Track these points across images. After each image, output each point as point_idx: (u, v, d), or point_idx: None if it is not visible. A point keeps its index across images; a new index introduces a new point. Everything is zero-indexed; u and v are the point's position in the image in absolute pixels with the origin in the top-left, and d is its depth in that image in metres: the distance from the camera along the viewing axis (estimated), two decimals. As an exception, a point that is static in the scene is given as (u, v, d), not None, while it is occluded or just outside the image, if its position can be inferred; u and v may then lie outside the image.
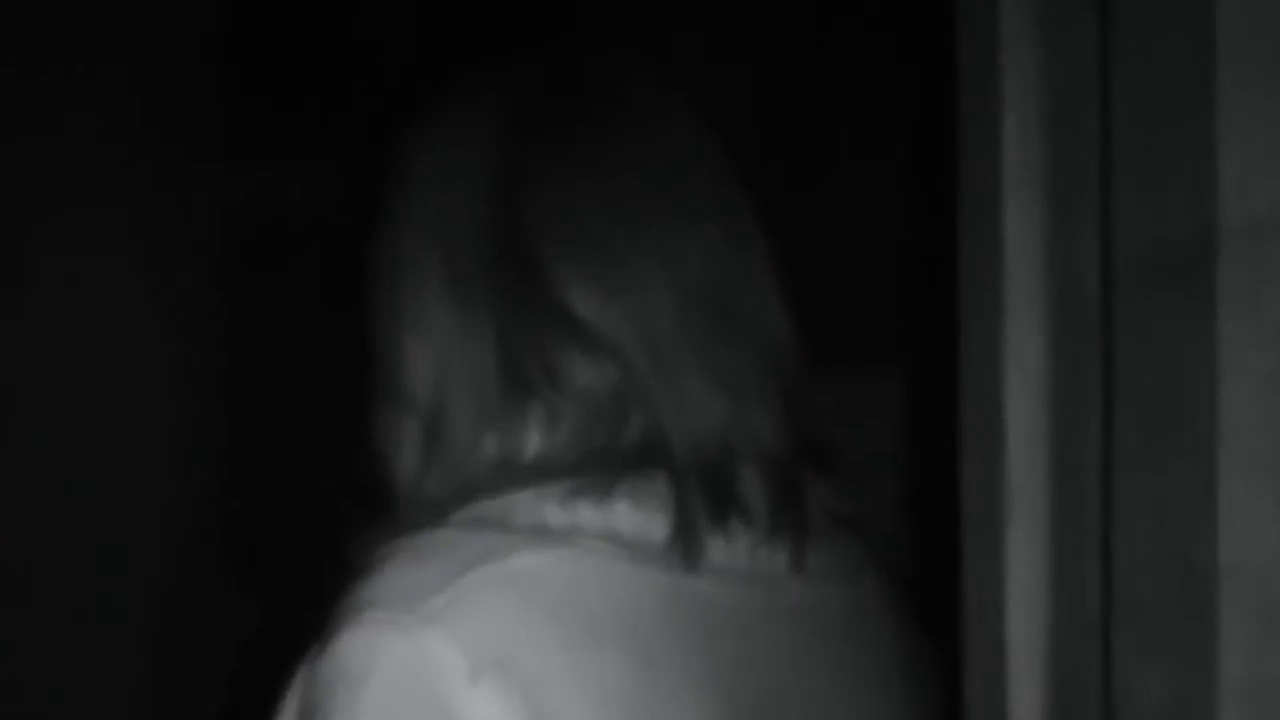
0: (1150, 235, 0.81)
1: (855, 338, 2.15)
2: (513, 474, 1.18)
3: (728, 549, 1.18)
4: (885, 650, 1.29)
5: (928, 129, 1.27)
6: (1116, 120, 0.84)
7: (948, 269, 0.98)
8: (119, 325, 2.71)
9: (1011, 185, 0.91)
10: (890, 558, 1.34)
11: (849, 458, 1.30)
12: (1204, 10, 0.77)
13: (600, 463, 1.17)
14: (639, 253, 1.19)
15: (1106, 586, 0.84)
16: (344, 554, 1.20)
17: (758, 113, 2.06)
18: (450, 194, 1.22)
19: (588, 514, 1.16)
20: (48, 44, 2.62)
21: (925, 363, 1.36)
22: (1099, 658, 0.85)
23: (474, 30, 1.25)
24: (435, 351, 1.22)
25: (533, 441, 1.20)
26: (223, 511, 2.80)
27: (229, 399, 2.79)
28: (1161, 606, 0.80)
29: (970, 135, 0.96)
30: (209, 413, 2.78)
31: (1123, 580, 0.83)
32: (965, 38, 0.96)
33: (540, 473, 1.18)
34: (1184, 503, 0.78)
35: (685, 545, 1.16)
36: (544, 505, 1.16)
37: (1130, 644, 0.83)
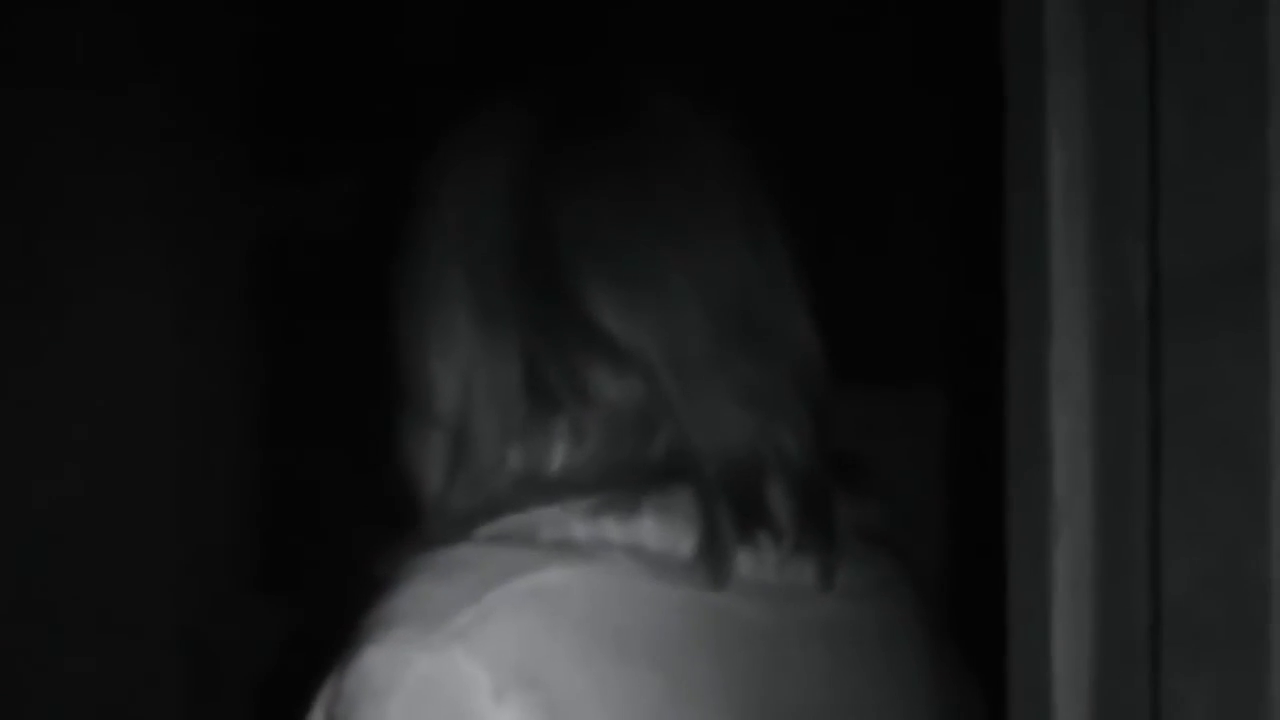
0: (1200, 251, 0.81)
1: (900, 355, 2.15)
2: (537, 489, 1.18)
3: (755, 565, 1.18)
4: (915, 668, 1.28)
5: (973, 145, 1.27)
6: (1164, 135, 0.84)
7: (994, 285, 0.98)
8: (151, 342, 2.72)
9: (1058, 201, 0.91)
10: (928, 575, 1.33)
11: (890, 475, 1.29)
12: (1254, 24, 0.76)
13: (625, 477, 1.17)
14: (665, 268, 1.19)
15: (1154, 603, 0.84)
16: (370, 568, 1.19)
17: (798, 127, 2.06)
18: (475, 210, 1.22)
19: (613, 529, 1.15)
20: (81, 66, 2.63)
21: (971, 380, 1.36)
22: (1146, 674, 0.84)
23: (503, 48, 1.25)
24: (460, 367, 1.22)
25: (558, 457, 1.19)
26: (252, 526, 2.81)
27: (259, 415, 2.79)
28: (1210, 623, 0.80)
29: (1016, 151, 0.96)
30: (239, 428, 2.79)
31: (1170, 596, 0.83)
32: (1011, 54, 0.96)
33: (565, 488, 1.18)
34: (1234, 518, 0.78)
35: (712, 561, 1.15)
36: (569, 521, 1.16)
37: (1178, 661, 0.82)
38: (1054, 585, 0.89)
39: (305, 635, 2.50)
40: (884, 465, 1.30)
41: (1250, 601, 0.76)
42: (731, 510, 1.17)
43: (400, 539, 1.23)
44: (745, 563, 1.18)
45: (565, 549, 1.14)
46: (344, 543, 1.29)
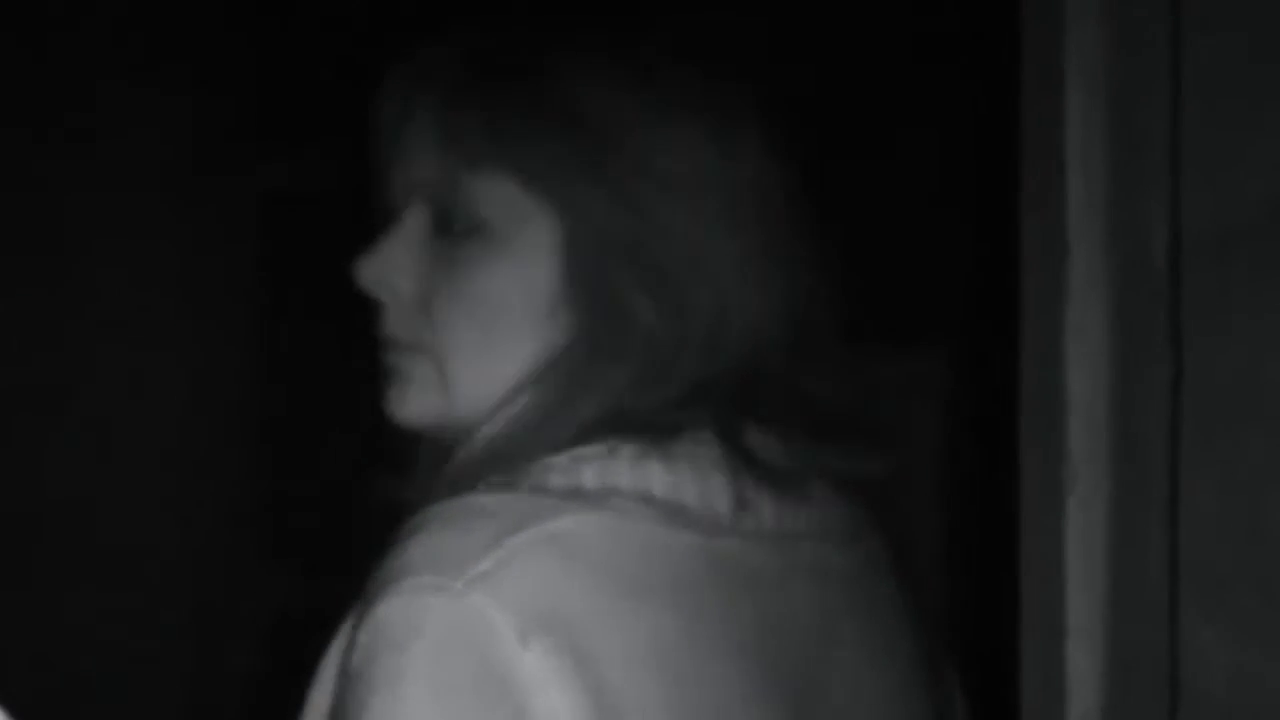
0: (1219, 207, 0.81)
1: (913, 314, 2.15)
2: (545, 437, 1.18)
3: (754, 511, 1.19)
4: (893, 610, 1.30)
5: (989, 100, 1.27)
6: (1185, 92, 0.84)
7: (1010, 243, 0.98)
8: (157, 310, 2.72)
9: (1075, 158, 0.91)
10: (927, 528, 1.34)
11: (898, 432, 1.30)
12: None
13: (630, 426, 1.18)
14: (669, 220, 1.19)
15: (1173, 557, 0.84)
16: (380, 523, 1.19)
17: (805, 89, 2.06)
18: None
19: (623, 477, 1.16)
20: (86, 39, 2.63)
21: (988, 337, 1.36)
22: (1165, 629, 0.85)
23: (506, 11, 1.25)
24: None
25: (565, 405, 1.20)
26: (260, 488, 2.81)
27: (266, 376, 2.80)
28: (1229, 576, 0.81)
29: (1034, 107, 0.96)
30: (246, 391, 2.79)
31: (1189, 550, 0.83)
32: (1028, 10, 0.96)
33: (573, 436, 1.18)
34: (1254, 472, 0.78)
35: (719, 507, 1.17)
36: (579, 469, 1.16)
37: (1197, 612, 0.83)
38: (1067, 537, 0.90)
39: (316, 595, 2.51)
40: (892, 423, 1.30)
41: (1269, 553, 0.77)
42: (733, 459, 1.18)
43: (408, 490, 1.23)
44: (745, 509, 1.19)
45: (576, 496, 1.15)
46: (354, 499, 1.29)
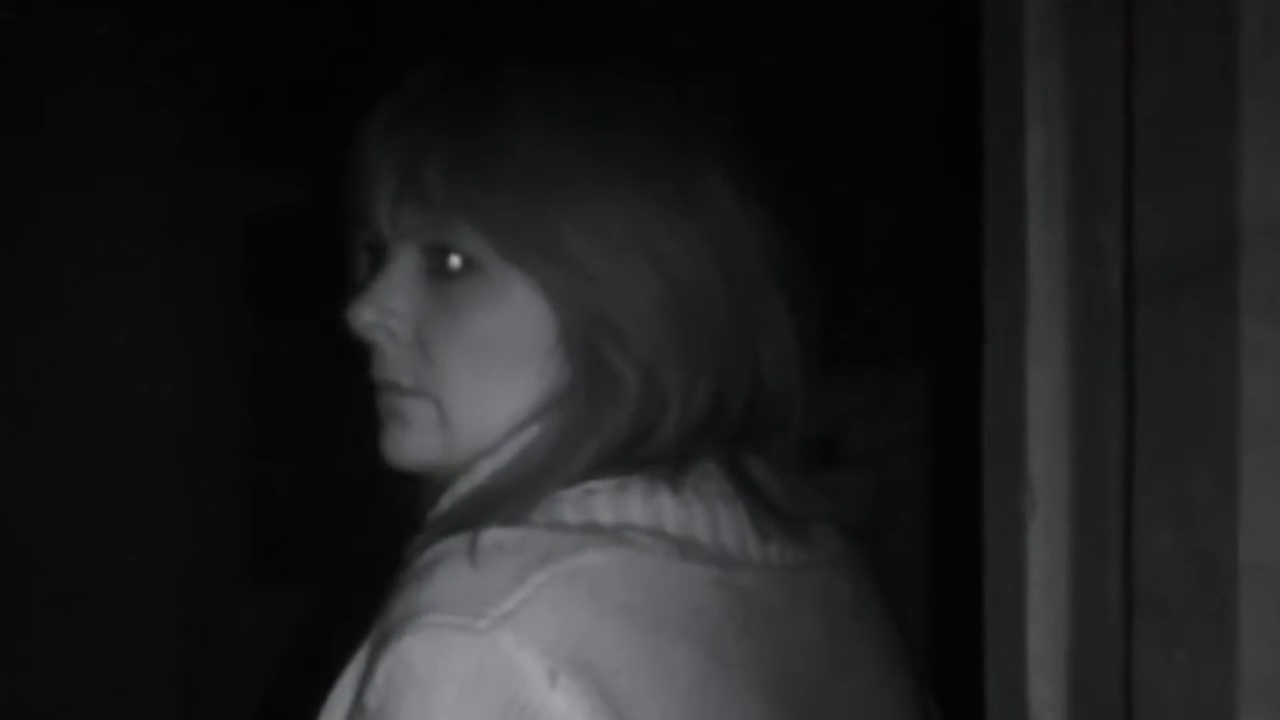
0: (1173, 238, 0.82)
1: (880, 340, 2.16)
2: (557, 472, 1.18)
3: (760, 543, 1.20)
4: (882, 631, 1.31)
5: (953, 135, 1.28)
6: (1139, 125, 0.85)
7: (972, 272, 0.99)
8: (145, 322, 2.72)
9: (1035, 189, 0.92)
10: (905, 552, 1.35)
11: (870, 455, 1.31)
12: (1227, 17, 0.77)
13: (637, 461, 1.18)
14: (635, 264, 1.19)
15: (1127, 585, 0.85)
16: (385, 553, 1.18)
17: (778, 114, 2.06)
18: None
19: (636, 510, 1.16)
20: (79, 49, 2.64)
21: (949, 365, 1.37)
22: (1120, 656, 0.86)
23: (499, 33, 1.25)
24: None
25: (574, 441, 1.19)
26: (250, 504, 2.81)
27: (257, 400, 2.80)
28: (1183, 605, 0.81)
29: (994, 141, 0.97)
30: (236, 406, 2.80)
31: (1143, 579, 0.84)
32: (990, 46, 0.97)
33: (584, 471, 1.18)
34: (1206, 502, 0.79)
35: (730, 541, 1.18)
36: (591, 502, 1.16)
37: (1151, 642, 0.84)
38: (1029, 565, 0.91)
39: (308, 614, 2.52)
40: (864, 445, 1.31)
41: (1222, 580, 0.78)
42: (740, 491, 1.19)
43: (416, 523, 1.22)
44: (752, 541, 1.19)
45: (592, 531, 1.14)
46: (347, 530, 1.28)
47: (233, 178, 2.77)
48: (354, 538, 1.18)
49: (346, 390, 1.28)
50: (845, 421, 1.29)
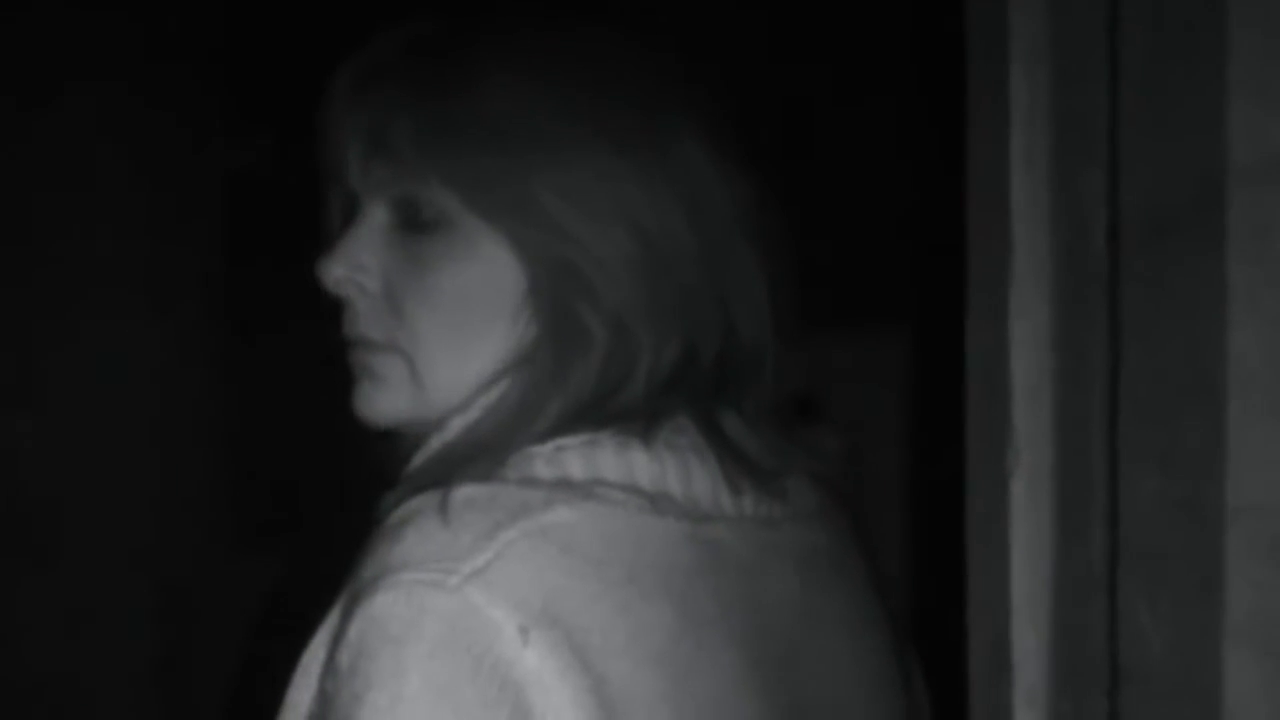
0: (1157, 186, 0.82)
1: (862, 296, 2.16)
2: (528, 427, 1.18)
3: (734, 497, 1.20)
4: (859, 584, 1.31)
5: (936, 84, 1.28)
6: (1124, 68, 0.85)
7: (956, 223, 0.99)
8: (123, 291, 2.71)
9: (1019, 139, 0.92)
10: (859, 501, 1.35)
11: (851, 415, 1.30)
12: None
13: (609, 416, 1.18)
14: (606, 220, 1.18)
15: (1112, 534, 0.85)
16: (359, 511, 1.18)
17: (764, 68, 2.06)
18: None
19: (609, 466, 1.16)
20: (55, 17, 2.62)
21: (933, 320, 1.37)
22: (1104, 606, 0.86)
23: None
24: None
25: (544, 397, 1.19)
26: (230, 474, 2.80)
27: (235, 363, 2.79)
28: (1167, 552, 0.81)
29: (978, 91, 0.97)
30: (216, 376, 2.79)
31: (1128, 527, 0.84)
32: (973, 4, 0.97)
33: (554, 426, 1.18)
34: (1192, 449, 0.79)
35: (704, 495, 1.18)
36: (564, 458, 1.16)
37: (1136, 591, 0.83)
38: (1013, 515, 0.91)
39: (283, 587, 2.51)
40: (845, 405, 1.31)
41: (1207, 528, 0.78)
42: (712, 445, 1.19)
43: (387, 480, 1.22)
44: (726, 495, 1.19)
45: (564, 486, 1.14)
46: (322, 491, 1.28)
47: (211, 134, 2.76)
48: (333, 497, 1.17)
49: (326, 349, 1.28)
50: (826, 378, 1.29)
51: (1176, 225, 0.80)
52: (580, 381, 1.18)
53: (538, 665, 1.07)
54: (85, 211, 2.68)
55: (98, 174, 2.69)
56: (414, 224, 1.21)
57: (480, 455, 1.17)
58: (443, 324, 1.21)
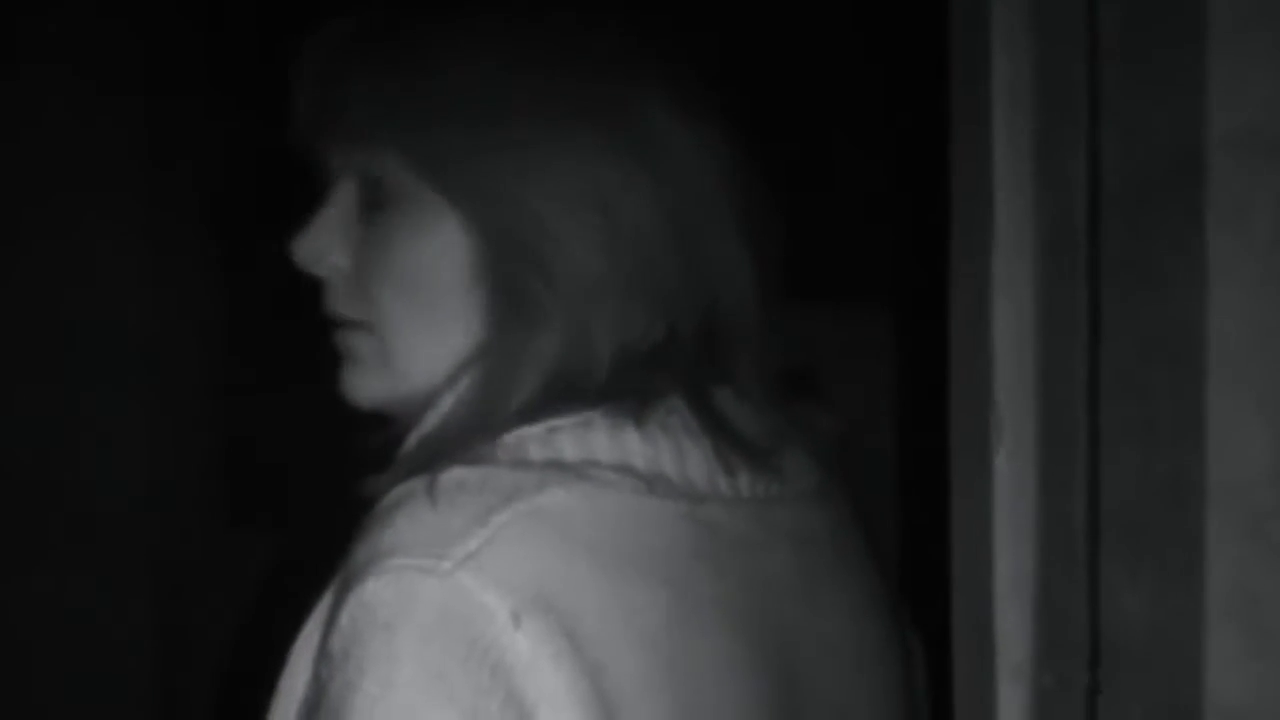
0: (1137, 155, 0.81)
1: (848, 272, 2.15)
2: (519, 409, 1.17)
3: (729, 477, 1.19)
4: (858, 562, 1.31)
5: (917, 58, 1.27)
6: (1103, 38, 0.84)
7: (939, 198, 0.98)
8: (117, 260, 2.71)
9: (1001, 108, 0.91)
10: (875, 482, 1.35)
11: (838, 388, 1.30)
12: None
13: (600, 398, 1.17)
14: (565, 195, 1.17)
15: (1094, 507, 0.85)
16: (354, 493, 1.17)
17: (740, 46, 2.05)
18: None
19: (602, 447, 1.15)
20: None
21: (916, 292, 1.37)
22: (1085, 580, 0.85)
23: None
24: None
25: (536, 379, 1.18)
26: (223, 450, 2.80)
27: (228, 339, 2.78)
28: (1149, 527, 0.81)
29: (960, 63, 0.96)
30: (208, 349, 2.78)
31: (1110, 500, 0.84)
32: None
33: (546, 409, 1.17)
34: (1172, 422, 0.79)
35: (699, 475, 1.17)
36: (556, 439, 1.15)
37: (1117, 565, 0.83)
38: (995, 488, 0.90)
39: (278, 566, 2.51)
40: (832, 378, 1.31)
41: (1189, 500, 0.77)
42: (706, 425, 1.18)
43: (380, 462, 1.21)
44: (721, 475, 1.19)
45: (556, 468, 1.13)
46: (318, 470, 1.27)
47: (209, 98, 2.75)
48: (331, 478, 1.17)
49: (323, 328, 1.28)
50: (818, 354, 1.28)
51: (1157, 196, 0.79)
52: (539, 358, 1.17)
53: (531, 651, 1.06)
54: (78, 195, 2.67)
55: (96, 147, 2.68)
56: (378, 201, 1.21)
57: (465, 436, 1.16)
58: (406, 302, 1.21)
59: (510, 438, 1.16)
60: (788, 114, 2.10)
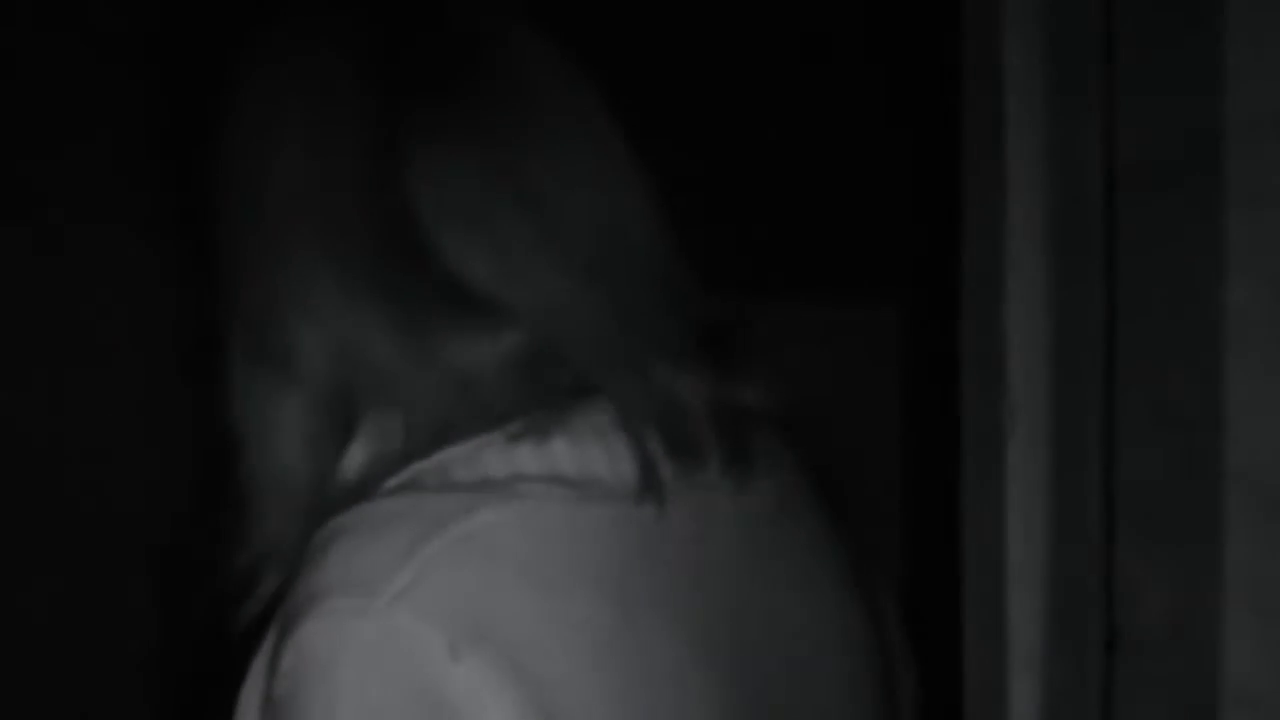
0: (1154, 137, 0.81)
1: (863, 259, 2.14)
2: (436, 436, 1.15)
3: (670, 474, 1.15)
4: (819, 543, 1.28)
5: (928, 39, 1.26)
6: (1120, 21, 0.84)
7: (950, 184, 0.97)
8: (117, 260, 2.70)
9: (1013, 92, 0.90)
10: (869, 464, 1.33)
11: (847, 382, 1.29)
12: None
13: (525, 412, 1.14)
14: (528, 212, 1.15)
15: (1108, 492, 0.84)
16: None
17: (747, 25, 2.05)
18: (331, 160, 1.18)
19: (529, 459, 1.12)
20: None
21: (928, 281, 1.36)
22: (1101, 564, 0.85)
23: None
24: (329, 328, 1.17)
25: (448, 407, 1.16)
26: (223, 450, 2.79)
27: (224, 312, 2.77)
28: (1165, 514, 0.80)
29: (971, 45, 0.95)
30: (208, 348, 2.77)
31: (1125, 486, 0.83)
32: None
33: (465, 431, 1.14)
34: (1189, 407, 0.78)
35: (631, 476, 1.14)
36: (483, 456, 1.12)
37: (1133, 554, 0.82)
38: (1008, 474, 0.89)
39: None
40: (841, 366, 1.30)
41: (1206, 486, 0.76)
42: (638, 424, 1.15)
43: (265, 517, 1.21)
44: (654, 468, 1.15)
45: (484, 488, 1.11)
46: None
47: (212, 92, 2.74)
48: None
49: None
50: (825, 342, 1.27)
51: (1174, 180, 0.79)
52: (487, 392, 1.15)
53: (471, 682, 1.04)
54: (78, 194, 2.67)
55: (95, 146, 2.68)
56: None
57: (399, 460, 1.14)
58: None
59: (441, 456, 1.13)
60: (797, 107, 2.10)
